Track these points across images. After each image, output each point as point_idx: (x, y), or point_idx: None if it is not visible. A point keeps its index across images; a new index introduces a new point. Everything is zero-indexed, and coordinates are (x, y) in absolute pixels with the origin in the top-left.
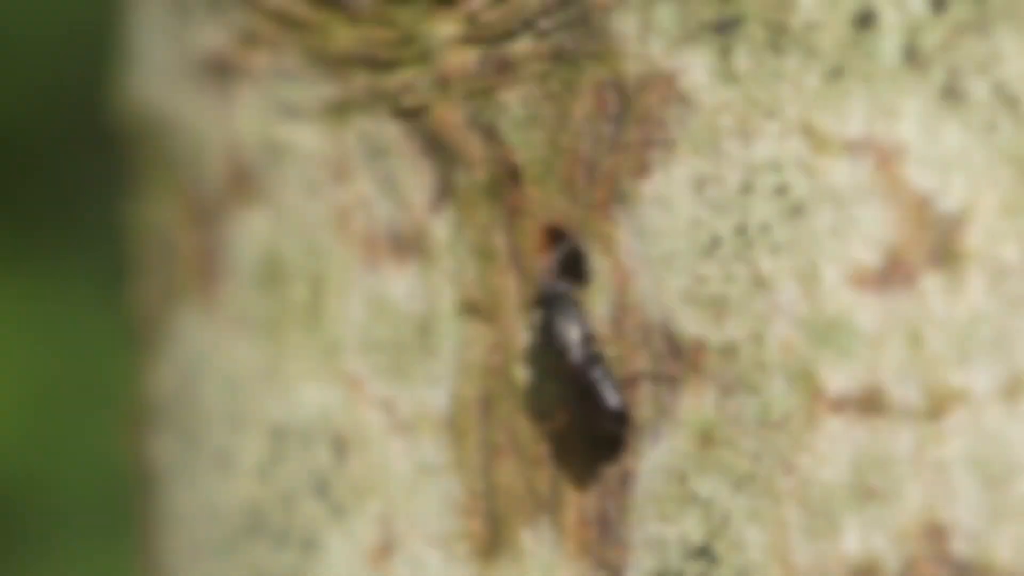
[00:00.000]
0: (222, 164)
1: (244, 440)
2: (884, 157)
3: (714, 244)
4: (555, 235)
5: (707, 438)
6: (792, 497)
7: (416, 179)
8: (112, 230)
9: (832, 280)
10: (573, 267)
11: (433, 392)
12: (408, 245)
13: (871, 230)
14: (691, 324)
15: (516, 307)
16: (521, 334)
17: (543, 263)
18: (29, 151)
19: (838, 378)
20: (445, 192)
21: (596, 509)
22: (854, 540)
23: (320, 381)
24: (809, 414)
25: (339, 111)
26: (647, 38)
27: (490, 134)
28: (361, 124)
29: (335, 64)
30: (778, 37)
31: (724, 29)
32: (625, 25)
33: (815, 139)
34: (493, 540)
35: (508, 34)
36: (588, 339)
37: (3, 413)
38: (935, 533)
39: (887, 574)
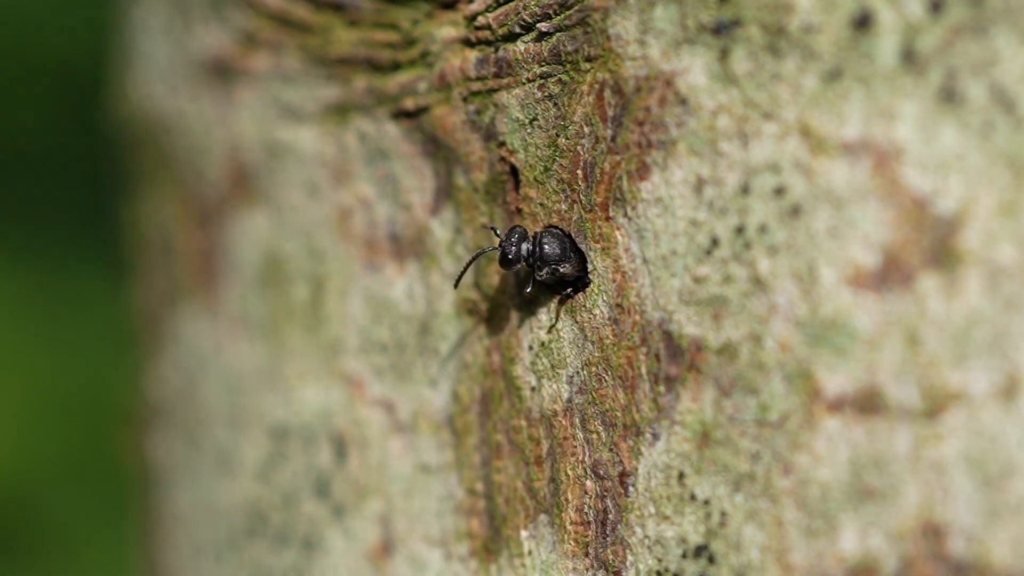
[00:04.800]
0: (223, 165)
1: (245, 440)
2: (882, 159)
3: (713, 245)
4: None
5: (705, 438)
6: (790, 497)
7: (416, 180)
8: (114, 231)
9: (830, 281)
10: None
11: (433, 392)
12: (408, 246)
13: (869, 231)
14: (690, 324)
15: (514, 307)
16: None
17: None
18: (31, 153)
19: (836, 378)
20: (445, 193)
21: (595, 509)
22: (852, 539)
23: (321, 381)
24: (807, 414)
25: (339, 112)
26: (646, 40)
27: (490, 135)
28: (361, 125)
29: (335, 66)
30: (776, 39)
31: (722, 31)
32: (624, 27)
33: (813, 141)
34: (492, 539)
35: (508, 36)
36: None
37: (4, 414)
38: (933, 532)
39: (885, 573)
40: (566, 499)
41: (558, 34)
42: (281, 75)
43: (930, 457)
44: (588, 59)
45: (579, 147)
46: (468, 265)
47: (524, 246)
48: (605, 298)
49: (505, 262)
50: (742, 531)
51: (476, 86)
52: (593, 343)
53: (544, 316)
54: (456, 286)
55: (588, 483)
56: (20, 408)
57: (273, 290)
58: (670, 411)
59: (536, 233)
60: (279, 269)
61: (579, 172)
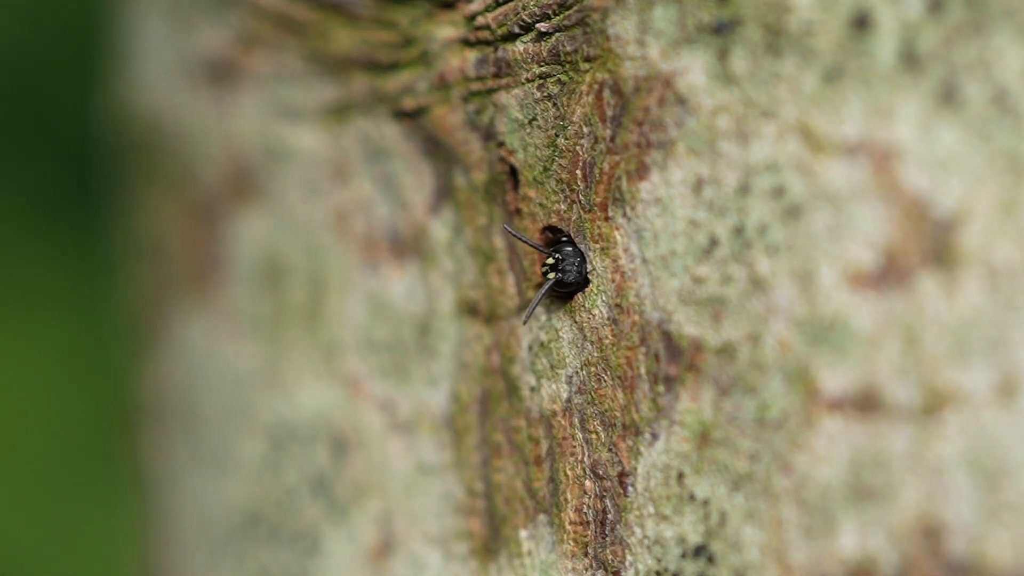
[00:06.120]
0: (222, 165)
1: (244, 440)
2: (881, 158)
3: (712, 245)
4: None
5: (705, 438)
6: (789, 496)
7: (415, 180)
8: (112, 231)
9: (829, 280)
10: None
11: (432, 392)
12: (408, 246)
13: (868, 231)
14: (689, 324)
15: (514, 307)
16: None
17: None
18: (30, 150)
19: (835, 378)
20: (444, 193)
21: (594, 508)
22: (851, 539)
23: (320, 381)
24: (806, 414)
25: (339, 112)
26: (645, 40)
27: (489, 135)
28: (361, 125)
29: (335, 66)
30: (775, 39)
31: (722, 31)
32: (623, 27)
33: (812, 140)
34: (492, 539)
35: (507, 36)
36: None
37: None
38: (932, 532)
39: (884, 573)
40: (565, 499)
41: (557, 34)
42: (281, 75)
43: (929, 456)
44: (587, 59)
45: (578, 147)
46: (538, 301)
47: (586, 267)
48: (604, 298)
49: (565, 285)
50: (741, 531)
51: (475, 86)
52: (592, 343)
53: (544, 315)
54: (525, 322)
55: (587, 483)
56: (17, 408)
57: (272, 290)
58: (669, 411)
59: (580, 251)
60: (278, 269)
61: (578, 172)
